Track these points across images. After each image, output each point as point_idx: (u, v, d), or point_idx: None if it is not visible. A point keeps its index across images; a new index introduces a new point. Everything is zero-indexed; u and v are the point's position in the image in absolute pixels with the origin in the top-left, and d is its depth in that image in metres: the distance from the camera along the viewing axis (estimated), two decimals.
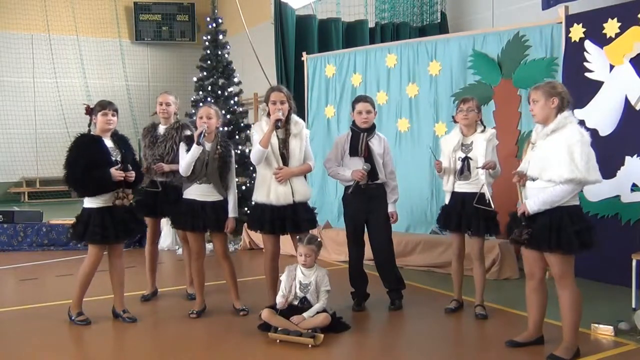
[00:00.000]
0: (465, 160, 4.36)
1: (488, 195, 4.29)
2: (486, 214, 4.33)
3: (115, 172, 4.11)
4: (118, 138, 4.37)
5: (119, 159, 4.24)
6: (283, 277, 4.17)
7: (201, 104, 8.06)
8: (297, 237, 4.22)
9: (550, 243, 3.37)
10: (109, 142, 4.28)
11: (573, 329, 3.49)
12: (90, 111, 4.32)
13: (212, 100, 8.20)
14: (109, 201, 4.18)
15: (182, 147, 4.42)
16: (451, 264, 4.69)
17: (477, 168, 4.31)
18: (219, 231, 4.46)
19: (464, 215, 4.37)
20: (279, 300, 4.06)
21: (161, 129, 5.02)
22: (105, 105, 4.28)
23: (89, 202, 4.20)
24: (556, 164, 3.33)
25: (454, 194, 4.45)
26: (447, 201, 4.52)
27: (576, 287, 3.48)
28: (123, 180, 4.15)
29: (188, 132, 4.90)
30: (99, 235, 4.16)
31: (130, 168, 4.21)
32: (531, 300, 3.70)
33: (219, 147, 4.42)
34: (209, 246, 5.69)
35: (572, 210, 3.40)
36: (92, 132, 4.31)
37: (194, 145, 4.26)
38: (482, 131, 4.41)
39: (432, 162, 6.68)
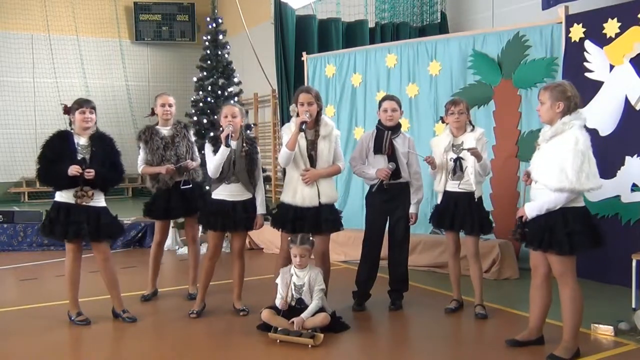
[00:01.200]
0: (457, 160, 4.39)
1: (478, 193, 4.35)
2: (479, 214, 4.36)
3: (72, 168, 4.03)
4: (97, 137, 4.30)
5: (87, 157, 4.18)
6: (278, 280, 4.15)
7: (201, 104, 8.12)
8: (289, 238, 4.21)
9: (541, 243, 3.42)
10: (82, 140, 4.24)
11: (573, 328, 3.49)
12: (68, 110, 4.28)
13: (213, 100, 8.21)
14: (70, 198, 4.14)
15: (208, 147, 4.36)
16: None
17: (462, 149, 4.31)
18: (246, 229, 4.49)
19: (457, 214, 4.40)
20: (279, 302, 4.05)
21: (164, 130, 4.99)
22: (82, 104, 4.26)
23: (57, 196, 4.21)
24: (548, 172, 3.36)
25: (446, 194, 4.48)
26: (438, 201, 4.56)
27: (577, 287, 3.48)
28: (81, 177, 4.05)
29: (192, 132, 5.04)
30: (47, 229, 4.17)
31: (89, 167, 4.07)
32: (534, 298, 3.70)
33: (244, 144, 4.40)
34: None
35: (569, 212, 3.41)
36: (72, 130, 4.26)
37: (222, 147, 4.21)
38: (472, 130, 4.44)
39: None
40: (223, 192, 4.37)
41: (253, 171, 4.41)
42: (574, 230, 3.37)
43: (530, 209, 3.46)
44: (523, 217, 3.50)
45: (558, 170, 3.30)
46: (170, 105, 5.01)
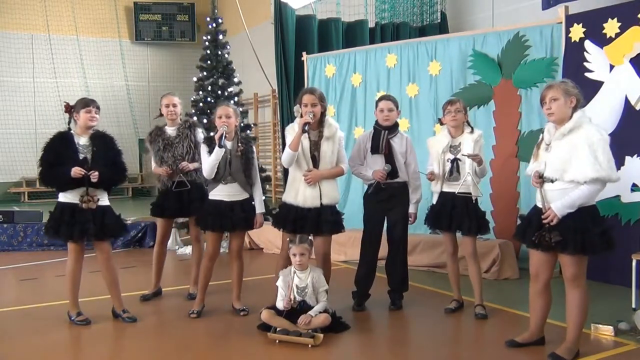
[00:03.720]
0: (454, 161, 4.38)
1: (475, 193, 4.35)
2: (476, 214, 4.36)
3: (75, 170, 4.03)
4: (97, 137, 4.29)
5: (89, 156, 4.18)
6: (279, 283, 4.13)
7: (201, 104, 8.12)
8: (288, 239, 4.21)
9: (576, 245, 3.28)
10: (83, 140, 4.23)
11: (578, 329, 3.48)
12: (70, 109, 4.28)
13: (213, 100, 8.21)
14: (74, 199, 4.14)
15: (204, 148, 4.38)
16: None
17: (462, 155, 4.32)
18: (244, 229, 4.50)
19: (454, 215, 4.39)
20: (282, 303, 4.02)
21: (170, 130, 5.00)
22: (88, 103, 4.26)
23: (60, 197, 4.21)
24: (579, 164, 3.25)
25: (442, 194, 4.47)
26: (434, 201, 4.54)
27: (587, 289, 3.46)
28: (87, 179, 4.05)
29: (200, 130, 5.02)
30: (52, 230, 4.18)
31: (91, 167, 4.08)
32: (535, 304, 3.67)
33: (240, 144, 4.40)
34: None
35: (592, 210, 3.35)
36: (72, 130, 4.26)
37: (216, 148, 4.23)
38: (470, 132, 4.43)
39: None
40: (220, 193, 4.37)
41: (249, 171, 4.41)
42: (604, 229, 3.31)
43: (562, 207, 3.29)
44: (553, 220, 3.31)
45: (592, 160, 3.20)
46: (174, 106, 5.02)
